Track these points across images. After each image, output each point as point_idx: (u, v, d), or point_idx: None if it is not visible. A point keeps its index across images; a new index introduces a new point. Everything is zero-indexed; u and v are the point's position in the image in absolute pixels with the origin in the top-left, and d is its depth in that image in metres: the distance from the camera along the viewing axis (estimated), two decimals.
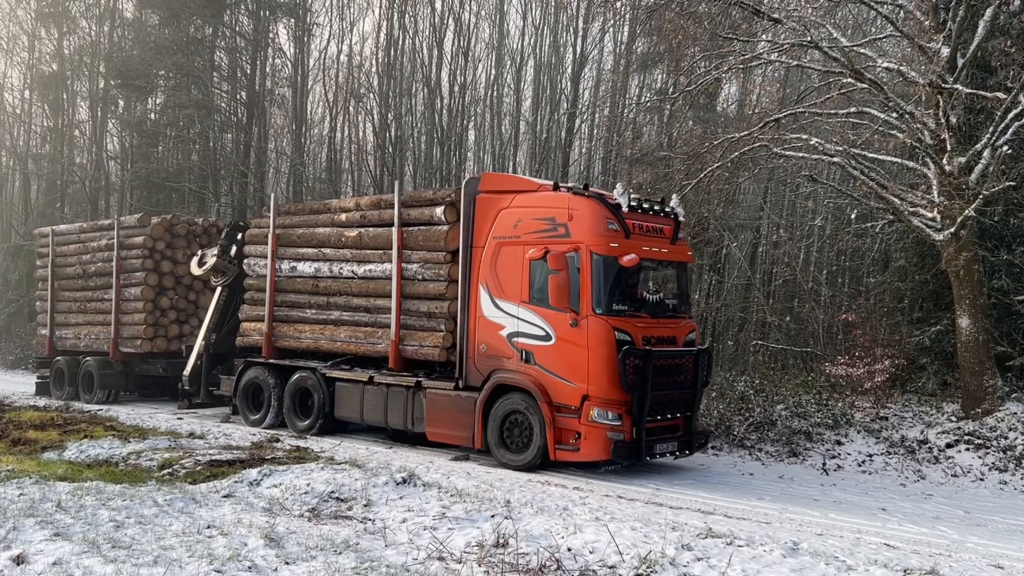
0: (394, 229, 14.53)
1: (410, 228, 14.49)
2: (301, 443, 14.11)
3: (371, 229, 15.14)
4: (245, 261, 17.45)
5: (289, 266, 16.44)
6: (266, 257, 16.82)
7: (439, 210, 14.03)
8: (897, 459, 13.97)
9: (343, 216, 15.72)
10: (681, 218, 13.52)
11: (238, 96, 36.62)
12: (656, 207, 13.21)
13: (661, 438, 12.63)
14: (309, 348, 16.07)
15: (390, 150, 33.08)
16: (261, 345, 16.80)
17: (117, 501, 8.95)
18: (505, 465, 12.73)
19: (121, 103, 40.08)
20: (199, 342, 18.59)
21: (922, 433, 14.74)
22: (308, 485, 9.90)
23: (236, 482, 10.33)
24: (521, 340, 12.77)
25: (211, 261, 18.69)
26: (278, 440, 14.29)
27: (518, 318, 12.79)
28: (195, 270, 19.45)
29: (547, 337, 12.49)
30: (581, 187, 12.88)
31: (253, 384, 16.80)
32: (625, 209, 12.60)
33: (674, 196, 13.92)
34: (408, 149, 34.05)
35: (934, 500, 11.97)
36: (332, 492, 9.66)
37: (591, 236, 12.30)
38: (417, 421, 14.10)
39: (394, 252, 14.49)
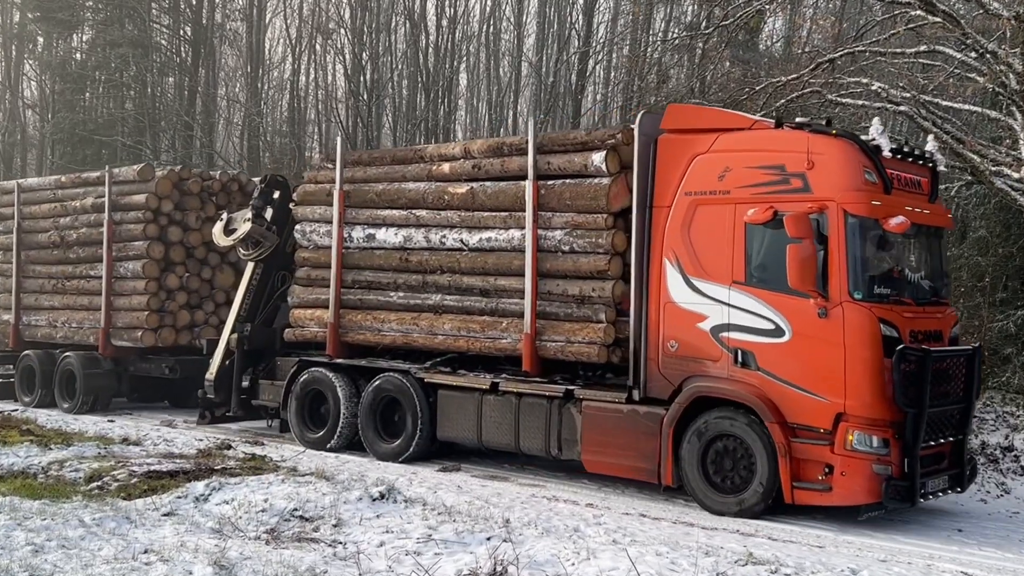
0: (528, 183, 12.94)
1: (551, 182, 12.89)
2: (258, 451, 14.08)
3: (489, 184, 13.60)
4: (297, 227, 15.77)
5: (364, 234, 14.79)
6: (329, 222, 15.16)
7: (597, 157, 12.40)
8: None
9: (445, 167, 14.10)
10: (940, 167, 12.10)
11: (181, 32, 36.50)
12: (915, 152, 11.69)
13: (928, 470, 11.05)
14: (394, 344, 14.51)
15: (365, 97, 32.96)
16: (322, 339, 15.15)
17: (36, 520, 8.92)
18: (721, 511, 11.12)
19: (40, 40, 40.01)
20: (226, 335, 16.69)
21: (1007, 438, 14.72)
22: (266, 501, 9.88)
23: (179, 497, 10.30)
24: (734, 336, 11.18)
25: (244, 228, 16.62)
26: (230, 447, 14.26)
27: (729, 305, 11.21)
28: (220, 240, 17.33)
29: (777, 332, 10.91)
30: (822, 123, 11.42)
31: (311, 391, 15.14)
32: (886, 154, 11.06)
33: (930, 138, 12.54)
34: (387, 96, 33.95)
35: (1021, 519, 11.95)
36: (295, 510, 9.64)
37: (845, 191, 10.69)
38: (567, 445, 12.50)
39: (528, 214, 12.90)
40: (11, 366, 20.86)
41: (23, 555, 7.82)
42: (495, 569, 7.65)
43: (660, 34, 30.16)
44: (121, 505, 9.97)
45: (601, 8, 32.49)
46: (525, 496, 11.74)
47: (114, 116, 36.11)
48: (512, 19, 34.14)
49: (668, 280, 11.69)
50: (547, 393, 12.68)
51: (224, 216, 17.46)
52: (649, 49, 29.54)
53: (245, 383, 16.35)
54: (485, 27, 34.31)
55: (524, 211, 13.03)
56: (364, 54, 33.41)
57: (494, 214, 13.53)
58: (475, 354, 13.73)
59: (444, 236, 13.89)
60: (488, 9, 34.23)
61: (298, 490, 10.20)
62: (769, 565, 7.95)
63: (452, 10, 33.45)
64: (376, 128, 33.06)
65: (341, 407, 14.63)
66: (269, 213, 16.61)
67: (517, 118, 33.15)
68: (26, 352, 20.33)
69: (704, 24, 23.39)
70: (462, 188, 13.76)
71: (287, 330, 15.81)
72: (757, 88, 17.29)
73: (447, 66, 33.38)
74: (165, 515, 9.67)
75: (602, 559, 8.00)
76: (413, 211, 14.31)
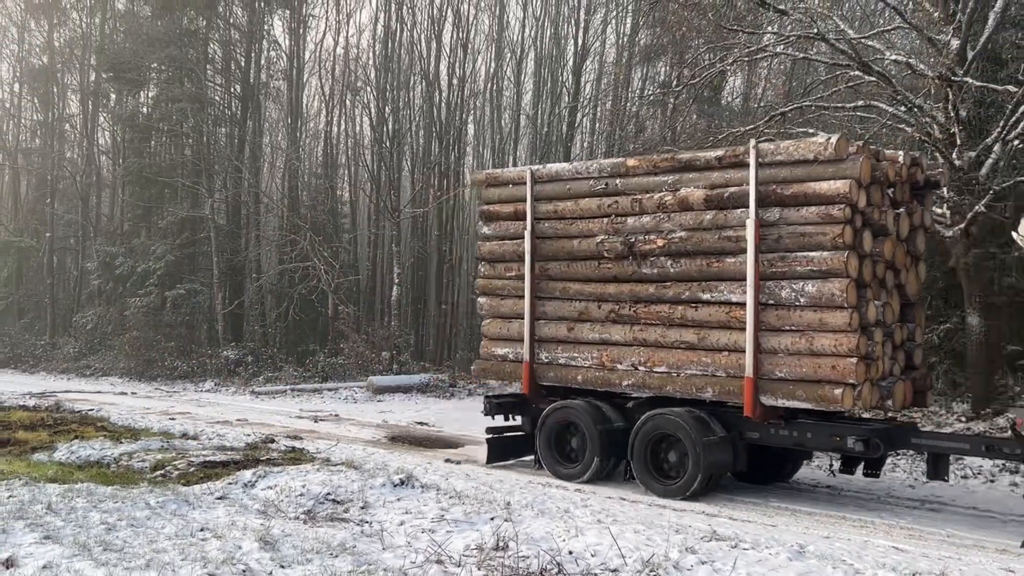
0: None
1: None
2: (296, 444, 14.10)
3: None
4: None
5: None
6: None
7: None
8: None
9: None
10: None
11: (232, 89, 36.63)
12: None
13: None
14: None
15: (387, 144, 33.09)
16: None
17: (108, 503, 8.95)
18: None
19: (112, 96, 40.17)
20: None
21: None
22: (304, 487, 9.89)
23: (230, 484, 10.32)
24: None
25: None
26: (273, 440, 14.28)
27: None
28: None
29: None
30: None
31: None
32: None
33: None
34: (406, 143, 34.09)
35: (944, 502, 11.95)
36: (328, 494, 9.65)
37: None
38: None
39: None
40: (509, 415, 13.47)
41: (98, 532, 7.85)
42: (497, 544, 7.66)
43: (637, 91, 30.38)
44: (181, 490, 9.98)
45: (587, 69, 32.72)
46: (523, 483, 11.76)
47: (175, 161, 36.19)
48: (512, 79, 34.35)
49: None
50: None
51: None
52: (628, 104, 29.74)
53: None
54: (489, 85, 34.50)
55: None
56: (387, 108, 33.54)
57: None
58: None
59: None
60: (492, 70, 34.45)
61: (331, 477, 10.21)
62: (730, 541, 7.97)
63: (461, 71, 33.64)
64: (397, 171, 33.16)
65: None
66: None
67: (516, 162, 33.27)
68: (564, 403, 12.50)
69: (675, 83, 23.57)
70: None
71: None
72: (720, 137, 17.39)
73: (457, 118, 33.57)
74: (218, 499, 9.69)
75: (588, 536, 8.02)
76: None
